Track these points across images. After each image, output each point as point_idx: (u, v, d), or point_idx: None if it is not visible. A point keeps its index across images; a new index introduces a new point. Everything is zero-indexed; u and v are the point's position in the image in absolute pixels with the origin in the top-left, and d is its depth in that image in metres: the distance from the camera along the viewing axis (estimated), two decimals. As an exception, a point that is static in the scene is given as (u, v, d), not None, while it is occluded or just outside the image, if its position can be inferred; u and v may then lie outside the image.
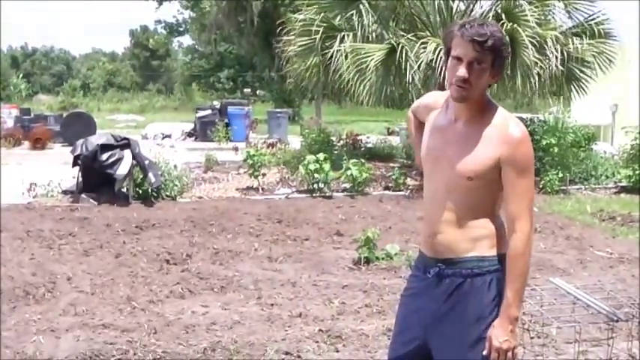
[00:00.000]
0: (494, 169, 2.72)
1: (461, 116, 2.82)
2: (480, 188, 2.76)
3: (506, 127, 2.73)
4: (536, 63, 12.14)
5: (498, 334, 2.72)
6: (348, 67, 12.68)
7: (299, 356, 4.94)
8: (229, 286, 6.61)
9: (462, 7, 14.10)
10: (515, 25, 12.06)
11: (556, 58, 12.30)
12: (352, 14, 13.49)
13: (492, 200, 2.81)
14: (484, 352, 2.74)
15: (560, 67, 12.50)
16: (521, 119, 14.92)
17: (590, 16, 13.60)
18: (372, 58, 12.44)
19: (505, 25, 12.19)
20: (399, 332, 3.04)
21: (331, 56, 13.19)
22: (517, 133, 2.72)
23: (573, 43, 12.79)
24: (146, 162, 11.05)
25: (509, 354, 2.72)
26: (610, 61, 13.28)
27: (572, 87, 13.67)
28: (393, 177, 12.61)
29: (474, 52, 2.69)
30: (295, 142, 18.54)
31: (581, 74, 13.44)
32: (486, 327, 2.75)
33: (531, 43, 12.03)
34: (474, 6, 14.09)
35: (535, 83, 12.31)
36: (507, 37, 2.81)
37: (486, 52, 2.70)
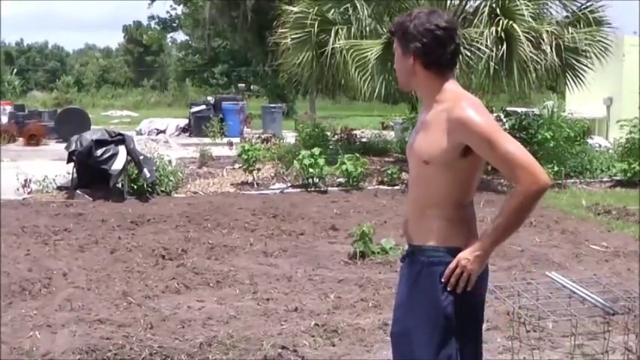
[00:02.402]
0: (450, 152, 2.71)
1: (425, 107, 2.90)
2: (438, 175, 2.76)
3: (452, 110, 2.71)
4: (532, 58, 12.13)
5: (463, 253, 2.74)
6: (347, 61, 12.64)
7: (295, 350, 4.94)
8: (225, 281, 6.60)
9: (456, 1, 14.07)
10: (510, 22, 12.06)
11: (552, 50, 12.27)
12: (346, 8, 13.47)
13: (454, 190, 2.79)
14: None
15: (556, 60, 12.47)
16: (516, 113, 14.67)
17: (583, 4, 13.59)
18: (372, 52, 12.42)
19: (501, 20, 12.19)
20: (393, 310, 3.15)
21: (325, 50, 13.16)
22: (462, 113, 2.68)
23: (569, 33, 12.73)
24: (141, 157, 11.04)
25: (461, 271, 2.74)
26: (605, 48, 13.21)
27: (568, 77, 13.59)
28: (388, 171, 12.61)
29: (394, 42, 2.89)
30: (290, 136, 18.52)
31: (578, 63, 13.34)
32: (439, 318, 2.78)
33: (527, 38, 12.02)
34: (467, 0, 14.06)
35: (532, 78, 12.30)
36: (434, 23, 2.75)
37: (395, 39, 2.85)
